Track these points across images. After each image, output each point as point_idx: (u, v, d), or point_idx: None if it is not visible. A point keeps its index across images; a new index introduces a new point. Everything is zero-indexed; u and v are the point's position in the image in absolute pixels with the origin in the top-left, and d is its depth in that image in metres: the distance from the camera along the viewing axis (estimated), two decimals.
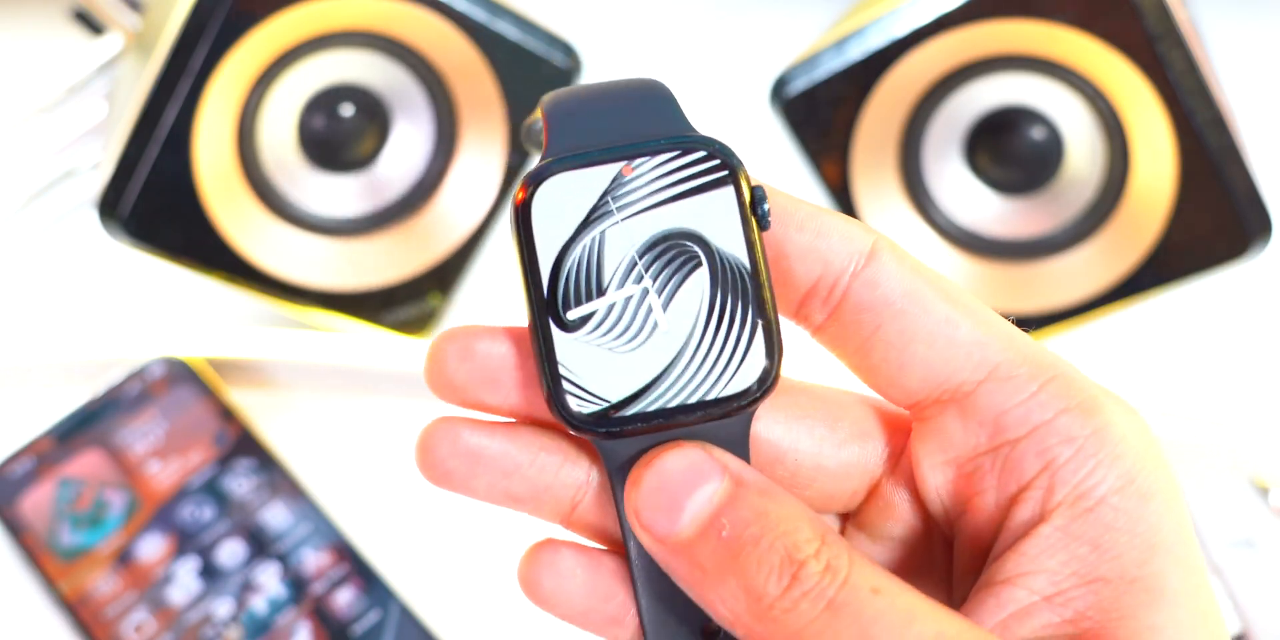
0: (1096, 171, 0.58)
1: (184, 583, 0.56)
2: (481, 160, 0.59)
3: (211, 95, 0.55)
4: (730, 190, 0.25)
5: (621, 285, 0.25)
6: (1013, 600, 0.24)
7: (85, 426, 0.58)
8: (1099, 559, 0.24)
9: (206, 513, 0.57)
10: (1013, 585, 0.25)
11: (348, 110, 0.58)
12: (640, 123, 0.26)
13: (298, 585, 0.56)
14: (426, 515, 0.59)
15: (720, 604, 0.24)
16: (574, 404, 0.25)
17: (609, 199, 0.25)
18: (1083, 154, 0.58)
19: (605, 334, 0.25)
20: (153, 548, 0.57)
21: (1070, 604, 0.24)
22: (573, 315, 0.25)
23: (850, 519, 0.29)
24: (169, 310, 0.64)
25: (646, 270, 0.25)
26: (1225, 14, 0.66)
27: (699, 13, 0.73)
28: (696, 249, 0.25)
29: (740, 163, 0.25)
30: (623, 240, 0.25)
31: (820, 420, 0.28)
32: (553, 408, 0.25)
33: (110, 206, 0.56)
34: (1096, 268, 0.58)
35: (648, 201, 0.25)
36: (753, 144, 0.69)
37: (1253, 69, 0.68)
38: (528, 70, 0.58)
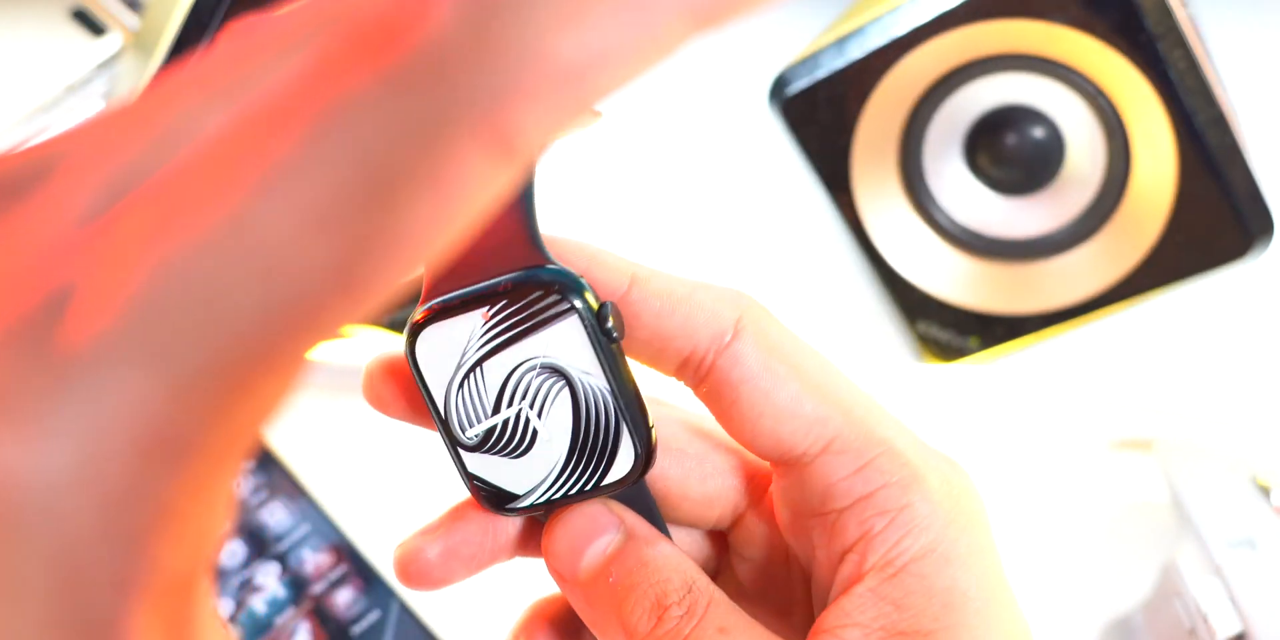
0: (1097, 171, 0.58)
1: None
2: None
3: None
4: (575, 319, 0.28)
5: (502, 409, 0.29)
6: None
7: None
8: (901, 616, 0.29)
9: None
10: (832, 635, 0.29)
11: None
12: (501, 246, 0.29)
13: (297, 585, 0.56)
14: (426, 515, 0.59)
15: (606, 637, 0.29)
16: (488, 500, 0.30)
17: (476, 340, 0.29)
18: (1083, 154, 0.58)
19: (498, 449, 0.30)
20: None
21: None
22: (469, 435, 0.30)
23: (727, 536, 0.34)
24: None
25: (521, 394, 0.29)
26: (1225, 14, 0.66)
27: None
28: (555, 373, 0.29)
29: (581, 290, 0.29)
30: (495, 373, 0.29)
31: (691, 454, 0.33)
32: (476, 501, 0.31)
33: None
34: (1096, 268, 0.58)
35: (509, 337, 0.29)
36: (752, 144, 0.70)
37: (1253, 69, 0.68)
38: None
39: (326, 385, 0.62)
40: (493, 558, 0.32)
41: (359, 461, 0.61)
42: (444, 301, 0.29)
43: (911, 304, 0.60)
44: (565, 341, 0.29)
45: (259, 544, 0.57)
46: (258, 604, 0.56)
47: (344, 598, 0.56)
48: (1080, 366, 0.63)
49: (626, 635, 0.29)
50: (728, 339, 0.29)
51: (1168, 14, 0.54)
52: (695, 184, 0.69)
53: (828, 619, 0.29)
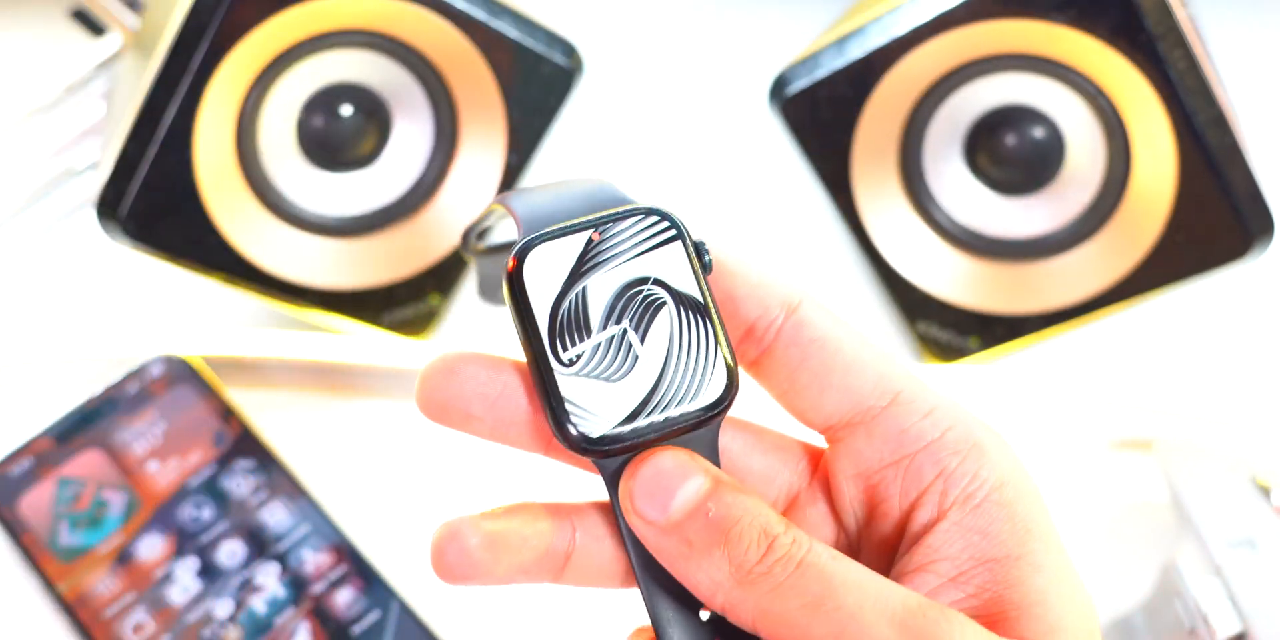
0: (1097, 171, 0.58)
1: (183, 583, 0.56)
2: (481, 160, 0.59)
3: (211, 95, 0.55)
4: (679, 245, 0.31)
5: (605, 327, 0.30)
6: (924, 584, 0.30)
7: (84, 426, 0.58)
8: (989, 544, 0.30)
9: (206, 513, 0.57)
10: (923, 572, 0.30)
11: (347, 110, 0.58)
12: (593, 203, 0.31)
13: (297, 585, 0.56)
14: (426, 515, 0.59)
15: (704, 574, 0.29)
16: (578, 428, 0.30)
17: (585, 260, 0.30)
18: (1083, 154, 0.58)
19: (596, 367, 0.30)
20: (152, 548, 0.57)
21: (971, 581, 0.30)
22: (568, 355, 0.30)
23: None
24: (169, 310, 0.64)
25: (623, 313, 0.30)
26: (1225, 14, 0.66)
27: (699, 12, 0.73)
28: (660, 291, 0.30)
29: (683, 223, 0.31)
30: (600, 291, 0.30)
31: (749, 432, 0.34)
32: (559, 433, 0.30)
33: (109, 207, 0.56)
34: (1096, 268, 0.58)
35: (617, 259, 0.30)
36: (752, 144, 0.69)
37: (1253, 69, 0.68)
38: (528, 69, 0.58)
39: (326, 385, 0.62)
40: (536, 564, 0.31)
41: (359, 461, 0.61)
42: (555, 227, 0.30)
43: (911, 304, 0.60)
44: (670, 264, 0.30)
45: (259, 544, 0.57)
46: (258, 604, 0.56)
47: (344, 598, 0.56)
48: (1080, 366, 0.63)
49: (734, 568, 0.29)
50: (794, 307, 0.32)
51: (1168, 14, 0.54)
52: (695, 184, 0.69)
53: (913, 559, 0.31)
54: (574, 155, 0.66)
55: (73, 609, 0.55)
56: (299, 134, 0.58)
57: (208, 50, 0.54)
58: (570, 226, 0.30)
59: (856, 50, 0.57)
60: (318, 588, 0.56)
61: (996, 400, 0.60)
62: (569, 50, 0.59)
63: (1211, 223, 0.57)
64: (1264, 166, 0.57)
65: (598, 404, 0.30)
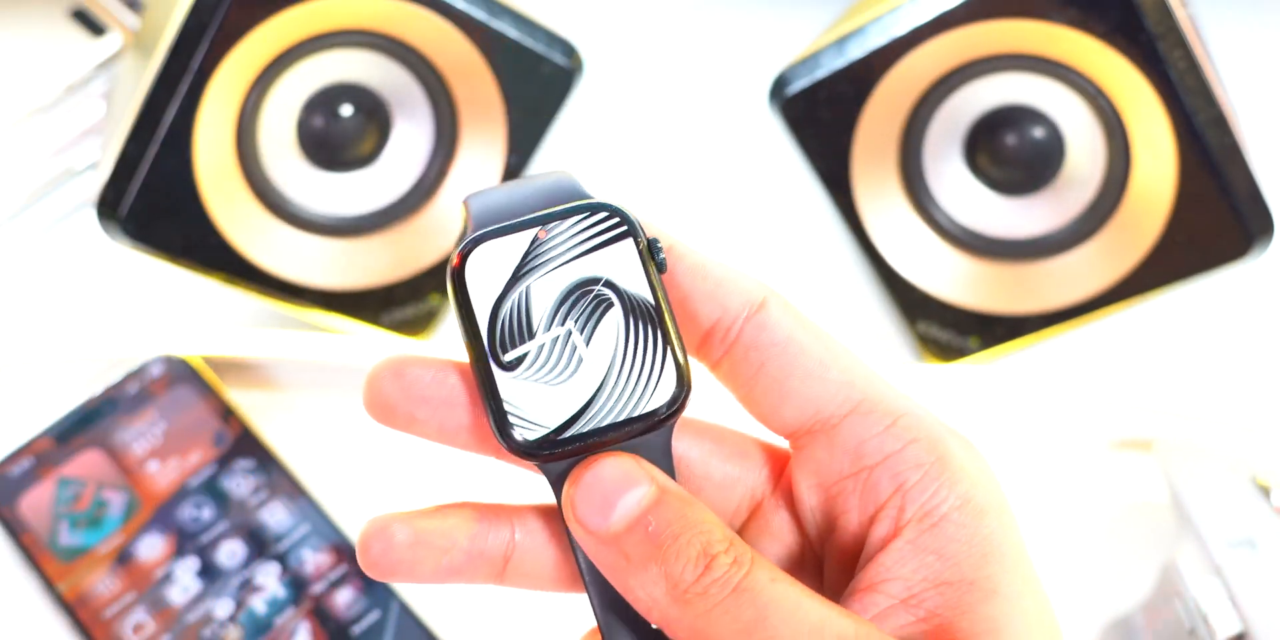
0: (1097, 171, 0.58)
1: (183, 583, 0.56)
2: (481, 160, 0.59)
3: (211, 95, 0.55)
4: (630, 242, 0.29)
5: (548, 329, 0.29)
6: (874, 604, 0.29)
7: (84, 426, 0.58)
8: (943, 566, 0.29)
9: (206, 513, 0.57)
10: (874, 591, 0.29)
11: (347, 110, 0.58)
12: (549, 198, 0.30)
13: (297, 585, 0.56)
14: None
15: (641, 589, 0.28)
16: (519, 433, 0.29)
17: (529, 258, 0.29)
18: (1083, 154, 0.58)
19: (538, 370, 0.29)
20: (152, 548, 0.57)
21: (922, 604, 0.29)
22: (509, 357, 0.29)
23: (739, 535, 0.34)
24: (169, 310, 0.64)
25: (568, 314, 0.29)
26: (1225, 14, 0.66)
27: (699, 12, 0.73)
28: (608, 292, 0.29)
29: (636, 218, 0.30)
30: (545, 291, 0.29)
31: (708, 438, 0.33)
32: (500, 437, 0.29)
33: (109, 207, 0.56)
34: (1096, 268, 0.58)
35: (563, 258, 0.29)
36: (752, 144, 0.70)
37: (1253, 69, 0.68)
38: (528, 69, 0.58)
39: (326, 385, 0.62)
40: (468, 564, 0.31)
41: (359, 461, 0.61)
42: (501, 224, 0.29)
43: (911, 304, 0.60)
44: (619, 263, 0.29)
45: (259, 544, 0.57)
46: (258, 604, 0.56)
47: (344, 598, 0.56)
48: (1080, 366, 0.63)
49: (669, 585, 0.28)
50: (754, 309, 0.30)
51: (1168, 14, 0.54)
52: (695, 184, 0.69)
53: (866, 576, 0.30)
54: (574, 155, 0.66)
55: (73, 609, 0.55)
56: (299, 134, 0.58)
57: (208, 50, 0.54)
58: (515, 224, 0.29)
59: (856, 50, 0.57)
60: (318, 588, 0.56)
61: (997, 400, 0.60)
62: (569, 50, 0.59)
63: (1211, 223, 0.57)
64: (1264, 166, 0.57)
65: (539, 408, 0.29)
